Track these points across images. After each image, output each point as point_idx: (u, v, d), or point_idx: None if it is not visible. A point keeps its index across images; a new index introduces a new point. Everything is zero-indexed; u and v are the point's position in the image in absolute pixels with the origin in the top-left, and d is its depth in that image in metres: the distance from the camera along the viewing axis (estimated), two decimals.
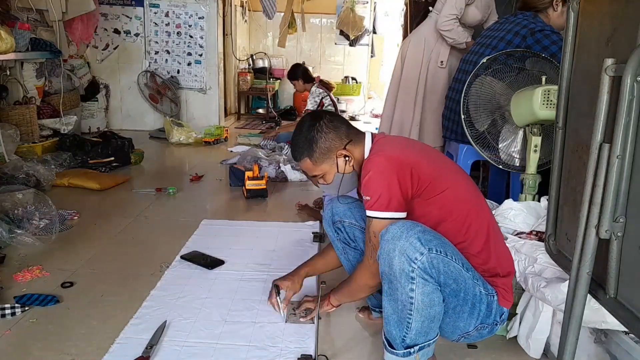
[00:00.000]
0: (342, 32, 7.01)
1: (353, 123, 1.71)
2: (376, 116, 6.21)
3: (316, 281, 1.87)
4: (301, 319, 1.63)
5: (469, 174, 2.19)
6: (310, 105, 4.45)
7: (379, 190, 1.28)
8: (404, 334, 1.26)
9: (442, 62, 2.80)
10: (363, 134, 1.47)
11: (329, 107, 4.45)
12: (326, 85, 4.67)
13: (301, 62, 7.12)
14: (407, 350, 1.27)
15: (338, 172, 1.44)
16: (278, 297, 1.64)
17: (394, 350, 1.29)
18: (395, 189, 1.28)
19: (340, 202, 1.59)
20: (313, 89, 4.50)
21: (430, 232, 1.25)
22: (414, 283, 1.20)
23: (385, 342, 1.31)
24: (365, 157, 1.41)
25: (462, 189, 1.36)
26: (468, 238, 1.31)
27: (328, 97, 4.49)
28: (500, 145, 1.77)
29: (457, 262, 1.24)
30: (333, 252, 1.67)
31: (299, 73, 4.62)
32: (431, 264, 1.20)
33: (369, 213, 1.31)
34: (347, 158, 1.43)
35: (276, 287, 1.65)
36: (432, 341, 1.30)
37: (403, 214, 1.29)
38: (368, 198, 1.30)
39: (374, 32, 7.07)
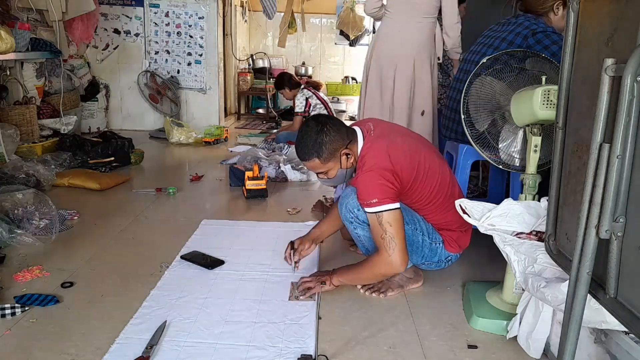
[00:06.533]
0: (342, 32, 7.00)
1: (351, 122, 1.83)
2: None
3: None
4: (300, 297, 1.75)
5: (468, 174, 2.21)
6: (298, 108, 4.52)
7: (379, 194, 1.60)
8: (368, 252, 1.82)
9: (438, 58, 2.79)
10: (355, 131, 1.74)
11: (318, 106, 4.50)
12: (313, 86, 4.72)
13: (300, 64, 7.15)
14: None
15: (341, 168, 1.72)
16: (292, 251, 1.92)
17: None
18: (391, 190, 1.62)
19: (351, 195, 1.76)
20: (299, 91, 4.55)
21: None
22: (352, 225, 1.75)
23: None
24: (359, 152, 1.71)
25: (434, 180, 1.73)
26: (429, 209, 1.78)
27: (314, 96, 4.54)
28: (500, 145, 1.77)
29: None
30: (332, 219, 1.97)
31: (284, 82, 4.61)
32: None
33: (377, 209, 1.60)
34: (348, 155, 1.71)
35: (291, 243, 1.94)
36: None
37: (398, 204, 1.63)
38: (375, 200, 1.60)
39: (374, 32, 7.07)
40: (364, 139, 1.72)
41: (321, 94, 4.71)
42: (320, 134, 1.66)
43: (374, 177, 1.60)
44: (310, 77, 6.92)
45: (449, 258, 1.85)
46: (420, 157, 1.71)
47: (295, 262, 1.92)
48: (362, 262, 1.74)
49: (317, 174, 1.78)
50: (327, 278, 1.77)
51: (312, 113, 4.48)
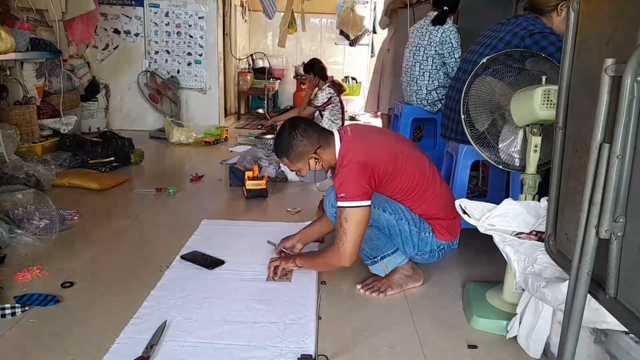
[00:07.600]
0: (342, 32, 7.01)
1: (352, 123, 1.88)
2: (376, 115, 6.23)
3: (316, 281, 1.87)
4: (276, 279, 1.89)
5: (468, 174, 2.21)
6: (319, 102, 4.62)
7: (349, 190, 1.67)
8: (363, 251, 1.85)
9: (388, 49, 4.30)
10: (333, 136, 1.85)
11: (337, 107, 4.63)
12: (338, 87, 4.78)
13: (300, 64, 7.14)
14: (373, 259, 1.88)
15: (310, 169, 1.87)
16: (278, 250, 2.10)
17: (367, 262, 1.91)
18: (362, 186, 1.67)
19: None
20: (325, 86, 4.64)
21: (379, 196, 1.80)
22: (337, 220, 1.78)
23: (363, 259, 1.90)
24: (337, 154, 1.80)
25: (412, 171, 1.80)
26: (413, 199, 1.83)
27: (337, 97, 4.62)
28: (500, 145, 1.77)
29: (386, 212, 1.79)
30: (325, 219, 2.03)
31: (316, 68, 4.68)
32: None
33: (342, 204, 1.68)
34: (316, 160, 1.84)
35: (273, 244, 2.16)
36: (388, 254, 1.86)
37: (368, 202, 1.69)
38: (343, 195, 1.67)
39: (374, 32, 7.07)
40: (341, 141, 1.82)
41: (341, 97, 4.77)
42: (289, 138, 1.84)
43: (350, 171, 1.69)
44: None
45: (442, 247, 1.89)
46: (396, 150, 1.79)
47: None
48: (321, 250, 1.83)
49: (292, 170, 1.94)
50: (292, 260, 1.92)
51: (325, 111, 4.61)
